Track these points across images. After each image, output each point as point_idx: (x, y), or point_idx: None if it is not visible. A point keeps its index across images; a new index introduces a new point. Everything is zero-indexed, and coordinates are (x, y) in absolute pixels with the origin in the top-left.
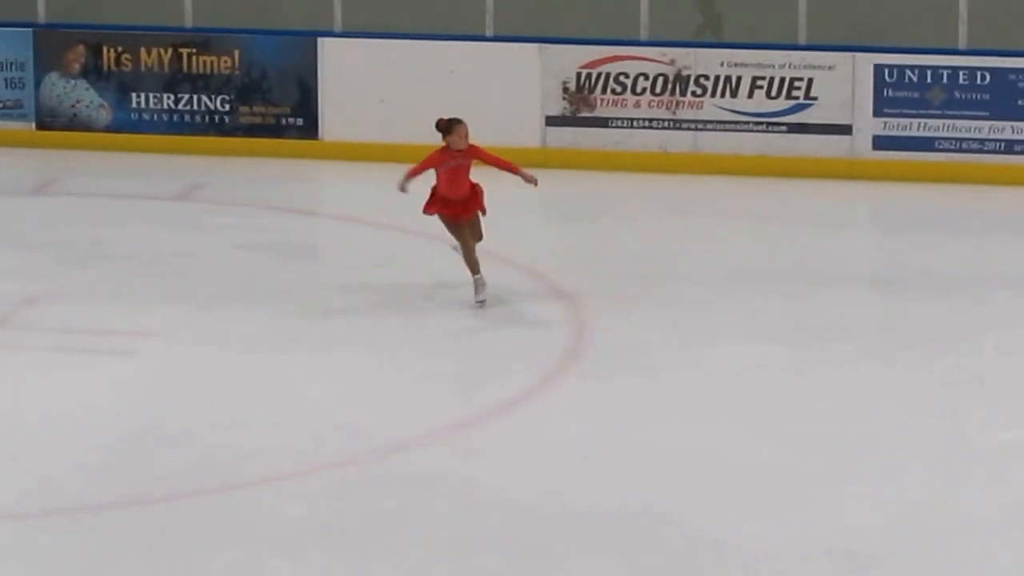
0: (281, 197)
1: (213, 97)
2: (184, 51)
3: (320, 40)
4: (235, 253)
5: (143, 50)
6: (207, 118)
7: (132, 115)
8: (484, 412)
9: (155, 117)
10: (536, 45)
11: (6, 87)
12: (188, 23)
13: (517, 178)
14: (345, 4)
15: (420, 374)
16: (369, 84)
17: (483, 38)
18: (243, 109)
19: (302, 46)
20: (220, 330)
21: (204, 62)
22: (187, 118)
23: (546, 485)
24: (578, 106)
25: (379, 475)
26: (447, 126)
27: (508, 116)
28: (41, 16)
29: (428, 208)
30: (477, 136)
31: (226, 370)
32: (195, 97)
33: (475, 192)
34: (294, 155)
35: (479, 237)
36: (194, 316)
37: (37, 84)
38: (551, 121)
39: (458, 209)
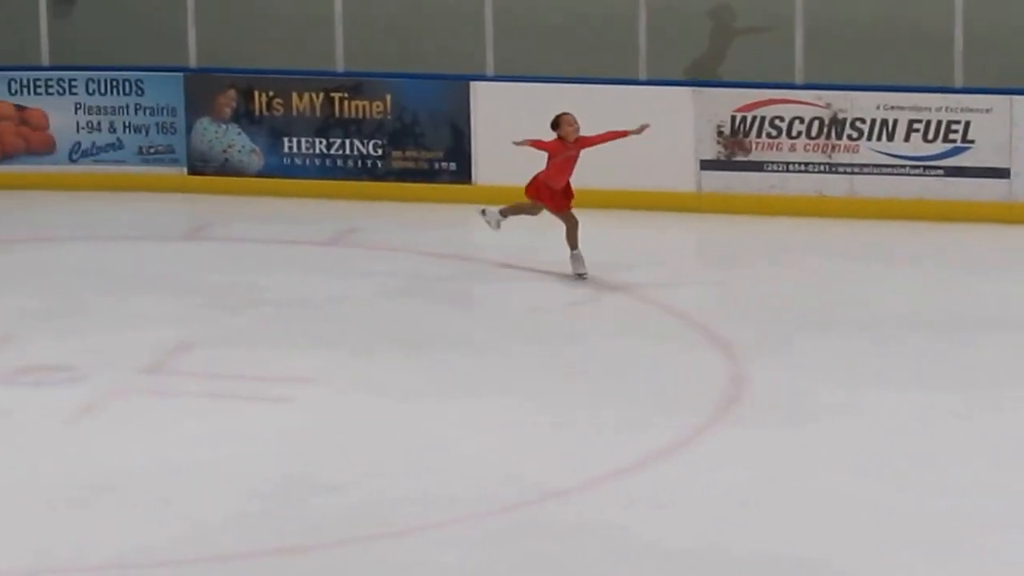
0: (434, 242)
1: (365, 142)
2: (336, 95)
3: (472, 84)
4: (388, 299)
5: (295, 94)
6: (359, 163)
7: (284, 160)
8: (641, 459)
9: (307, 162)
10: (690, 88)
11: (158, 132)
12: (340, 67)
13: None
14: (497, 48)
15: (576, 420)
16: (522, 128)
17: (636, 82)
18: (395, 154)
19: (454, 90)
20: (373, 376)
21: (356, 107)
22: (339, 163)
23: (704, 534)
24: (733, 150)
25: (535, 523)
26: (555, 121)
27: (662, 160)
28: (192, 61)
29: (530, 191)
30: (631, 179)
31: (380, 417)
32: (347, 142)
33: (569, 191)
34: (447, 200)
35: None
36: (347, 362)
37: (188, 129)
38: (705, 165)
39: (555, 200)
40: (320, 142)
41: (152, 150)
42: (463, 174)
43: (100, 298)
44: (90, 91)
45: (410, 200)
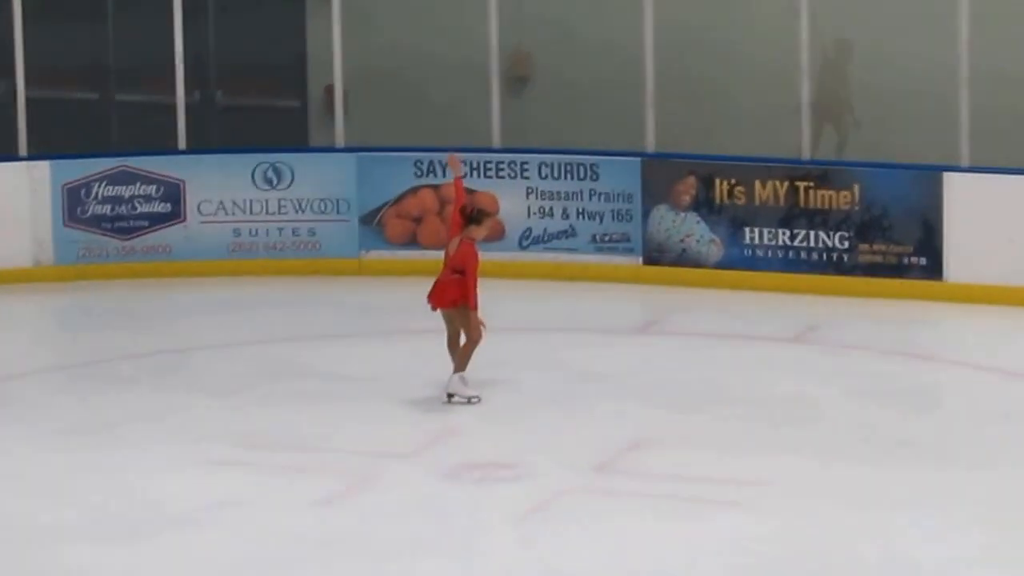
0: (901, 341)
1: (831, 234)
2: (801, 184)
3: (946, 175)
4: (852, 400)
5: (758, 183)
6: (824, 256)
7: (745, 251)
8: None
9: (769, 253)
10: None
11: (613, 219)
12: (805, 155)
13: None
14: (973, 138)
15: None
16: (997, 223)
17: None
18: (862, 247)
19: (926, 181)
20: (835, 483)
21: (822, 196)
22: (803, 255)
23: None
24: None
25: None
26: (480, 216)
27: None
28: (650, 145)
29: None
30: None
31: (839, 525)
32: (812, 233)
33: (447, 285)
34: (915, 296)
35: (469, 337)
36: (808, 467)
37: (645, 217)
38: None
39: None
40: (783, 233)
41: (607, 238)
42: (934, 270)
43: (549, 392)
44: (543, 175)
45: (876, 296)
